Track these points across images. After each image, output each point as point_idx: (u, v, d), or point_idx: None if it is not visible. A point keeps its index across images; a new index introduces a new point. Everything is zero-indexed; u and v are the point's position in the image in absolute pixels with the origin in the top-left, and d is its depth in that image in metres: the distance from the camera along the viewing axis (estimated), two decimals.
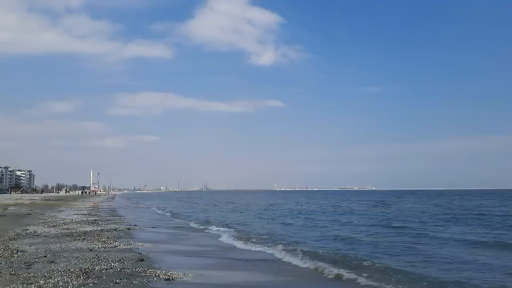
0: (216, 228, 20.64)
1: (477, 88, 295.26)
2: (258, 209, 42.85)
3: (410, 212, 36.04)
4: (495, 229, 20.15)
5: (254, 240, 15.74)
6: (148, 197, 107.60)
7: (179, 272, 9.04)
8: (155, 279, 8.33)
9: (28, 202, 47.17)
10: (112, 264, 9.54)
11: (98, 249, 11.84)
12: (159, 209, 42.25)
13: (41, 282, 7.60)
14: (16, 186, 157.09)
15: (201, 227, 21.98)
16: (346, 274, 9.44)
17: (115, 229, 17.82)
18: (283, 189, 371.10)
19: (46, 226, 18.84)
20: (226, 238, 16.53)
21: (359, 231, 19.77)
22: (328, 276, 9.50)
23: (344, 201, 68.50)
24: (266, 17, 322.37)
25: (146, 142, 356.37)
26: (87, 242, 13.30)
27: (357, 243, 15.38)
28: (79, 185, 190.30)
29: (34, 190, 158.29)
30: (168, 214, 34.83)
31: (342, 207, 47.15)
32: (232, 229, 20.14)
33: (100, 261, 9.78)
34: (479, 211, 35.27)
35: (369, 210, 38.36)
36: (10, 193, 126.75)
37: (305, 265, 10.79)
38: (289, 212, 38.13)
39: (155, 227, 20.70)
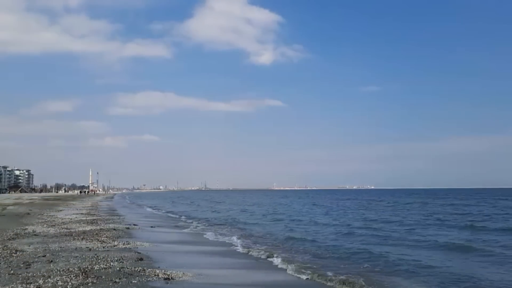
0: (205, 227, 21.53)
1: (477, 88, 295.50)
2: (238, 209, 43.25)
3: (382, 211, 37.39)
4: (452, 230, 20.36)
5: (245, 241, 16.22)
6: (146, 197, 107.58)
7: (178, 272, 9.06)
8: (154, 278, 8.34)
9: (27, 201, 47.13)
10: (111, 263, 9.53)
11: (97, 249, 11.84)
12: (156, 209, 42.61)
13: (40, 281, 7.60)
14: (15, 186, 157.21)
15: (194, 224, 22.66)
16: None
17: (114, 229, 17.81)
18: (282, 188, 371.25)
19: (45, 225, 18.82)
20: (213, 237, 17.41)
21: (313, 231, 20.17)
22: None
23: (330, 200, 69.71)
24: (265, 17, 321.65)
25: (146, 142, 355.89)
26: (86, 242, 13.29)
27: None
28: (78, 184, 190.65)
29: (33, 190, 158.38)
30: (164, 213, 35.06)
31: (325, 206, 48.13)
32: (226, 229, 20.82)
33: (99, 261, 9.78)
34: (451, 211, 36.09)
35: (338, 212, 38.02)
36: (9, 192, 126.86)
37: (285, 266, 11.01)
38: (272, 211, 38.90)
39: (154, 227, 20.72)
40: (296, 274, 9.83)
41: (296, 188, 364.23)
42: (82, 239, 14.00)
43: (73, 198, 72.79)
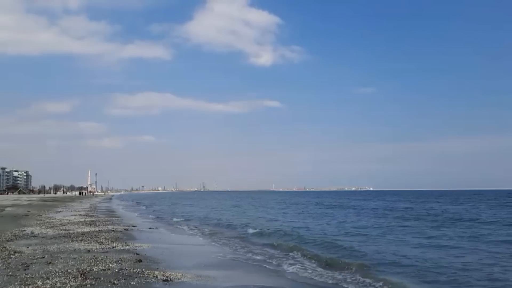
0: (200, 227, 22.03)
1: (476, 88, 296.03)
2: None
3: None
4: None
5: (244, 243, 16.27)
6: (145, 198, 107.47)
7: (177, 273, 9.05)
8: (153, 280, 8.32)
9: (26, 203, 47.04)
10: (110, 265, 9.52)
11: (95, 250, 11.81)
12: (154, 210, 42.60)
13: (39, 283, 7.59)
14: (13, 187, 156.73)
15: (192, 225, 22.97)
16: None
17: (113, 230, 17.78)
18: (280, 189, 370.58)
19: (43, 227, 18.78)
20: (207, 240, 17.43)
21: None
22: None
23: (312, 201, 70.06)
24: (264, 18, 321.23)
25: (144, 143, 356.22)
26: (84, 243, 13.26)
27: None
28: (77, 186, 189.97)
29: (31, 191, 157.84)
30: (162, 214, 35.11)
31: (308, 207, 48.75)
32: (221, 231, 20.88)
33: (97, 262, 9.76)
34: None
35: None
36: (7, 194, 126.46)
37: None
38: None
39: (153, 228, 20.68)
40: None
41: (294, 189, 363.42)
42: (81, 240, 13.97)
43: (72, 199, 72.66)
